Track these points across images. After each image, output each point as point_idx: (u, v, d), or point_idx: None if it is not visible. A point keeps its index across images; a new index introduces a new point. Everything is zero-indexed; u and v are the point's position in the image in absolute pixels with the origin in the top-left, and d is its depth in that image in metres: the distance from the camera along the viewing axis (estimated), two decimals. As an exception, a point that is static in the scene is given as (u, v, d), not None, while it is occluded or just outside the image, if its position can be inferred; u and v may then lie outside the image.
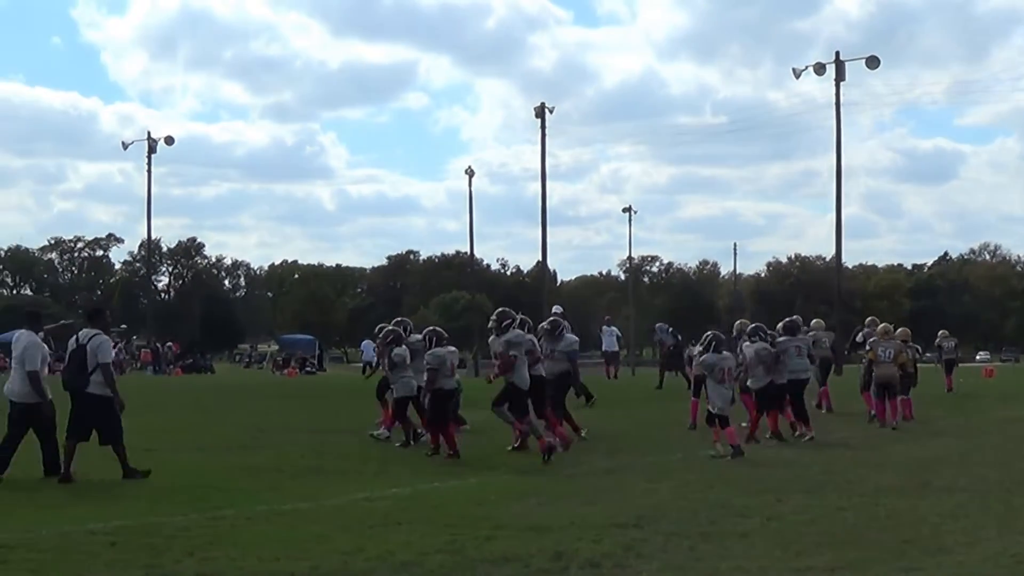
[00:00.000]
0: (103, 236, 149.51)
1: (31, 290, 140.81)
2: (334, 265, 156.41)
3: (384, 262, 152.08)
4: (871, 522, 11.64)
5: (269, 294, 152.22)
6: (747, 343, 20.82)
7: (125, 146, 76.28)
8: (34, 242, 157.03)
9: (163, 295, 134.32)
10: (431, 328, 18.98)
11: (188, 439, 20.34)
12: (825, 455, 17.98)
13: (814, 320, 27.50)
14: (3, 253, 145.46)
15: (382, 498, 13.30)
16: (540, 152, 66.19)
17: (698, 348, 20.28)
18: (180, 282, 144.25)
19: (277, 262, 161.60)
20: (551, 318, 21.89)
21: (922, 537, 10.71)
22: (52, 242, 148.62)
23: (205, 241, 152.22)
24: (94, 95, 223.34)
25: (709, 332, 19.22)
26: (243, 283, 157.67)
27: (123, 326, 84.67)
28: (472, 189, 76.41)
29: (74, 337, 15.57)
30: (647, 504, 12.75)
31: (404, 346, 19.43)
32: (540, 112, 65.98)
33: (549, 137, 66.68)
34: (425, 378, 18.24)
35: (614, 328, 42.12)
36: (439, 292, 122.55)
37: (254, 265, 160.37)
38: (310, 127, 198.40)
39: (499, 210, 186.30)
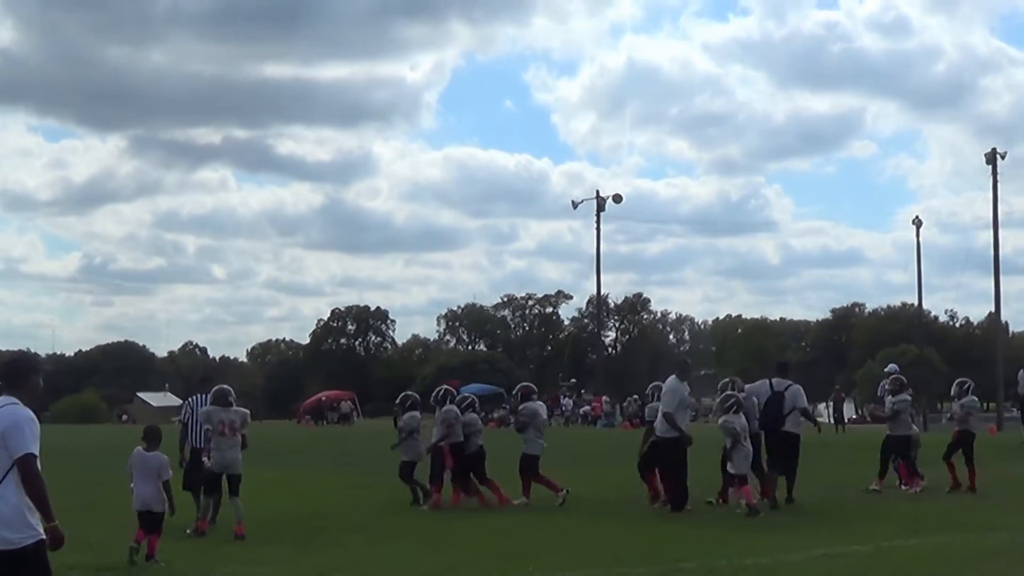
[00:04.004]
0: (552, 293, 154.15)
1: (485, 346, 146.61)
2: (778, 319, 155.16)
3: (828, 315, 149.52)
4: None
5: (713, 348, 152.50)
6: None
7: (575, 205, 78.07)
8: (488, 299, 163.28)
9: (610, 350, 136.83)
10: (655, 385, 19.78)
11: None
12: None
13: None
14: (459, 310, 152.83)
15: (843, 555, 13.13)
16: (992, 199, 63.75)
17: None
18: (627, 337, 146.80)
19: (721, 316, 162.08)
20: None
21: None
22: (505, 299, 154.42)
23: (651, 296, 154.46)
24: (545, 156, 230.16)
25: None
26: (687, 337, 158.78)
27: (572, 380, 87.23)
28: (920, 239, 74.00)
29: (767, 383, 19.19)
30: None
31: (417, 412, 20.23)
32: (991, 158, 63.59)
33: (1002, 183, 63.97)
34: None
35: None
36: (885, 346, 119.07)
37: (698, 319, 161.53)
38: (755, 180, 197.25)
39: (948, 260, 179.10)
